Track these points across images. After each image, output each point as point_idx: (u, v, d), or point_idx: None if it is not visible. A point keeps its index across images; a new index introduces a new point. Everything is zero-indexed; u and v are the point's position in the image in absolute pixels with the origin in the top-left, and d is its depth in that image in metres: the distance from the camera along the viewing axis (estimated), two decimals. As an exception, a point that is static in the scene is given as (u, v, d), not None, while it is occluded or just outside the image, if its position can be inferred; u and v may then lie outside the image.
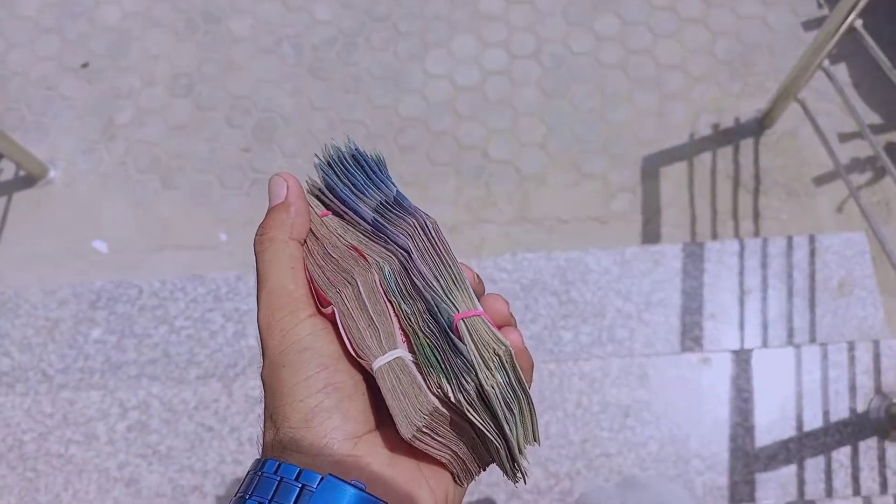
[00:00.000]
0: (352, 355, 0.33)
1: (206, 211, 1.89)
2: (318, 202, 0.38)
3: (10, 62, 2.05)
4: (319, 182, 0.39)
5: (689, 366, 1.39)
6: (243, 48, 2.06)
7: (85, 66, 2.04)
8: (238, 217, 1.88)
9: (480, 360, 0.31)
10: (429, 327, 0.32)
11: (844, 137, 1.82)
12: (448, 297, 0.32)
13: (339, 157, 0.38)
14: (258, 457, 0.32)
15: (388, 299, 0.34)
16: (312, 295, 0.35)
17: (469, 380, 0.30)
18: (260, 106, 1.99)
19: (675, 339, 1.55)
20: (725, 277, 1.59)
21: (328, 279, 0.35)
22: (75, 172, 1.92)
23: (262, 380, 0.33)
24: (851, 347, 1.34)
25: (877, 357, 1.32)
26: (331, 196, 0.38)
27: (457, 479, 0.34)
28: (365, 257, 0.35)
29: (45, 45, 2.07)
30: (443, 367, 0.31)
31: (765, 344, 1.51)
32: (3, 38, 2.08)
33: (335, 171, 0.38)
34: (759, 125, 1.87)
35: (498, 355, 0.31)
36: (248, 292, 1.61)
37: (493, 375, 0.30)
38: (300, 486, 0.29)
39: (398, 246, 0.35)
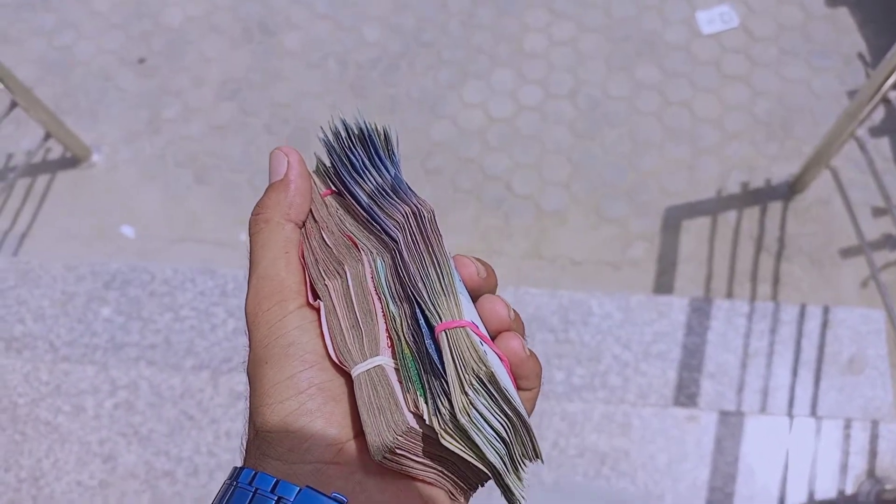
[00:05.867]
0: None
1: (232, 210, 1.95)
2: (322, 180, 0.36)
3: (77, 52, 2.18)
4: (325, 159, 0.36)
5: (675, 421, 1.35)
6: (292, 61, 2.14)
7: (142, 61, 2.15)
8: (261, 219, 1.93)
9: (457, 383, 0.27)
10: (412, 336, 0.30)
11: (878, 212, 1.75)
12: (432, 303, 0.29)
13: (345, 132, 0.35)
14: (238, 464, 0.29)
15: (378, 296, 0.31)
16: (306, 282, 0.32)
17: (444, 403, 0.28)
18: (299, 116, 2.06)
19: (669, 393, 1.50)
20: (731, 338, 1.55)
21: (320, 269, 0.33)
22: (117, 159, 2.02)
23: (247, 375, 0.31)
24: (848, 425, 1.28)
25: (874, 438, 1.26)
26: (333, 175, 0.35)
27: (451, 495, 0.30)
28: (358, 247, 0.33)
29: (111, 40, 2.19)
30: (422, 382, 0.29)
31: (763, 411, 1.46)
32: (76, 29, 2.22)
33: (337, 148, 0.35)
34: (791, 189, 1.82)
35: (479, 377, 0.27)
36: (254, 291, 1.64)
37: (469, 402, 0.27)
38: (276, 498, 0.27)
39: (390, 237, 0.32)
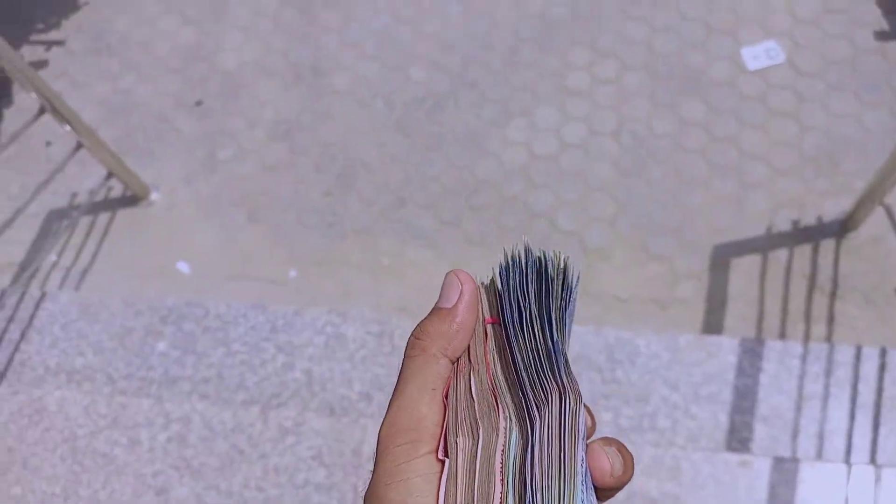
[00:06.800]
0: None
1: (282, 247, 2.00)
2: (490, 300, 0.35)
3: (137, 94, 2.29)
4: (498, 282, 0.35)
5: (726, 466, 1.32)
6: (341, 100, 2.21)
7: (199, 104, 2.24)
8: (310, 257, 1.98)
9: None
10: None
11: (937, 250, 1.71)
12: None
13: (524, 261, 0.34)
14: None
15: (502, 478, 0.31)
16: (443, 424, 0.32)
17: None
18: (346, 154, 2.11)
19: (721, 437, 1.47)
20: (784, 380, 1.51)
21: (457, 418, 0.32)
22: (174, 198, 2.10)
23: (364, 500, 0.31)
24: (910, 474, 1.23)
25: (938, 489, 1.21)
26: (499, 305, 0.34)
27: None
28: (499, 409, 0.32)
29: (169, 83, 2.29)
30: None
31: (819, 457, 1.42)
32: (137, 72, 2.33)
33: (510, 278, 0.34)
34: (843, 227, 1.79)
35: None
36: (303, 327, 1.68)
37: None
38: None
39: (529, 416, 0.32)
